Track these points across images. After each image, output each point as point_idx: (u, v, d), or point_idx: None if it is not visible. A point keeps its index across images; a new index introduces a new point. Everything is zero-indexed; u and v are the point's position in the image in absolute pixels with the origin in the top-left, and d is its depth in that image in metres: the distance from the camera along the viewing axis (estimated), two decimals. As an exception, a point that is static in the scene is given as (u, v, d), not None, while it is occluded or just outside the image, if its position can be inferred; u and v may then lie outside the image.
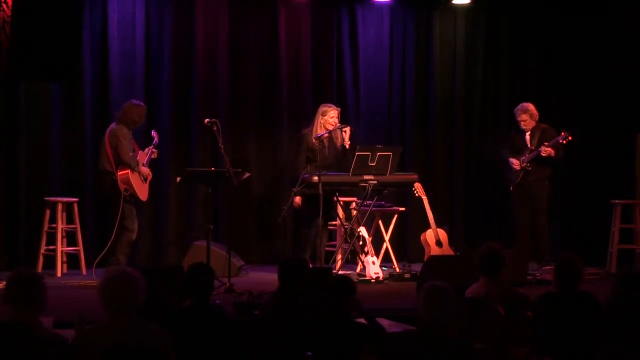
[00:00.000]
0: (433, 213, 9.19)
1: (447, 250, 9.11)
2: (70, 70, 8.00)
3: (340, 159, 9.13)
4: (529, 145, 9.45)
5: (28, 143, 9.44)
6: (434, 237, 9.13)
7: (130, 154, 8.45)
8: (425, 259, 8.58)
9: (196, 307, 5.00)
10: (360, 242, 9.04)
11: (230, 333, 4.91)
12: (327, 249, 9.43)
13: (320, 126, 8.99)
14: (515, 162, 9.46)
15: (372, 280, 8.78)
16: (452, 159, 10.91)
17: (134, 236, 8.58)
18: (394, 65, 10.74)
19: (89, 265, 8.97)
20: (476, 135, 10.93)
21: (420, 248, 9.45)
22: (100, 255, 8.53)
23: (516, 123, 9.53)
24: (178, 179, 8.73)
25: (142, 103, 8.74)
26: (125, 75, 9.76)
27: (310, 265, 6.92)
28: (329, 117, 8.99)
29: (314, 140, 8.99)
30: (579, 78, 10.80)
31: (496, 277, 5.65)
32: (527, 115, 9.42)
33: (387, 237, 9.48)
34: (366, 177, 8.85)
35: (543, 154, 9.30)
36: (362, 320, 5.20)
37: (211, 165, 9.43)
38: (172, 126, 9.97)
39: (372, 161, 8.81)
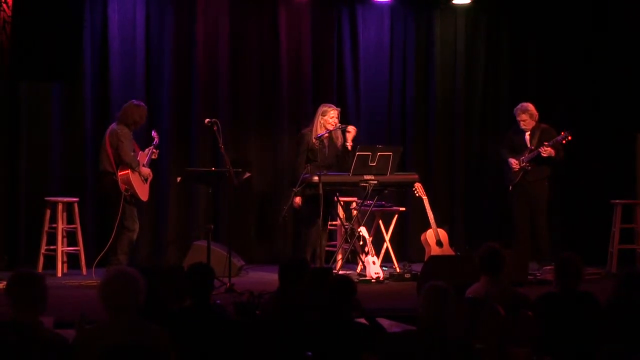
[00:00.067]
0: (433, 213, 9.20)
1: (447, 250, 9.12)
2: (70, 70, 7.98)
3: (341, 159, 9.13)
4: (528, 145, 9.45)
5: (28, 143, 9.44)
6: (434, 237, 9.13)
7: (131, 154, 8.46)
8: (425, 259, 8.58)
9: (196, 307, 5.00)
10: (361, 242, 9.04)
11: (230, 333, 4.91)
12: (327, 249, 9.43)
13: (320, 126, 8.99)
14: (514, 162, 9.46)
15: (373, 280, 8.78)
16: (453, 159, 10.91)
17: (135, 236, 8.58)
18: (394, 65, 10.75)
19: (89, 265, 8.96)
20: (476, 135, 10.94)
21: (421, 248, 9.46)
22: (100, 255, 8.53)
23: (516, 123, 9.53)
24: (178, 179, 8.73)
25: (142, 103, 8.74)
26: (126, 75, 9.76)
27: (311, 265, 6.92)
28: (329, 117, 8.99)
29: (314, 140, 8.99)
30: (579, 78, 10.80)
31: (496, 277, 5.65)
32: (527, 115, 9.41)
33: (387, 237, 9.48)
34: (367, 177, 8.85)
35: (543, 154, 9.30)
36: (362, 320, 5.20)
37: (211, 165, 9.45)
38: (172, 126, 9.97)
39: (372, 161, 8.81)
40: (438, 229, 9.17)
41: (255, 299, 6.21)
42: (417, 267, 8.70)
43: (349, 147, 9.05)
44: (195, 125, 9.93)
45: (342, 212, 9.49)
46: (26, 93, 9.38)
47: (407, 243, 10.62)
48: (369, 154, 8.80)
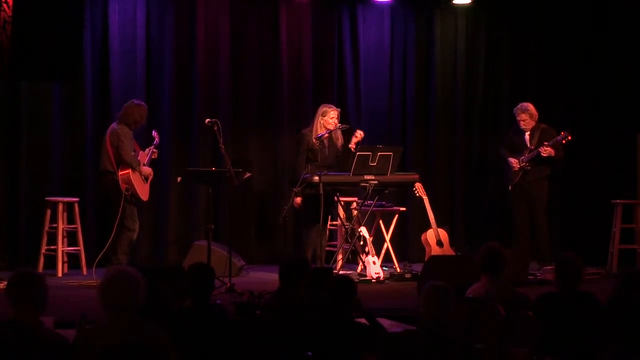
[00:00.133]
0: (434, 213, 9.20)
1: (447, 250, 9.12)
2: (71, 70, 7.98)
3: (341, 159, 9.13)
4: (528, 145, 9.45)
5: (29, 143, 9.44)
6: (434, 237, 9.14)
7: (132, 153, 8.46)
8: (426, 259, 8.57)
9: (196, 307, 5.00)
10: (361, 242, 9.03)
11: (230, 333, 4.91)
12: (327, 249, 9.43)
13: (320, 126, 9.00)
14: (514, 162, 9.47)
15: (373, 280, 8.78)
16: (453, 159, 10.91)
17: (135, 236, 8.59)
18: (395, 65, 10.75)
19: (89, 265, 8.96)
20: (476, 135, 10.94)
21: (421, 248, 9.46)
22: (100, 255, 8.54)
23: (516, 123, 9.53)
24: (179, 179, 8.73)
25: (143, 102, 8.75)
26: (126, 75, 9.76)
27: (311, 265, 6.92)
28: (328, 117, 9.00)
29: (314, 140, 8.99)
30: (579, 78, 10.80)
31: (497, 277, 5.65)
32: (527, 115, 9.42)
33: (387, 237, 9.48)
34: (367, 177, 8.85)
35: (543, 154, 9.30)
36: (362, 320, 5.20)
37: (212, 165, 9.44)
38: (172, 126, 9.97)
39: (372, 161, 8.81)
40: (438, 229, 9.17)
41: (256, 299, 6.20)
42: (418, 267, 8.70)
43: (352, 149, 9.04)
44: (195, 125, 9.93)
45: (343, 212, 9.49)
46: (26, 93, 9.38)
47: (408, 243, 10.62)
48: (369, 154, 8.80)
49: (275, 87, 10.38)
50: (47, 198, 9.15)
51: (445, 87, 10.89)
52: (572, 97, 10.77)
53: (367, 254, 8.94)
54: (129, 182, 8.40)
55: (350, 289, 5.02)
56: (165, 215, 9.96)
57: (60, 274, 8.97)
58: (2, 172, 9.39)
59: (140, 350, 3.63)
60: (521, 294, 5.71)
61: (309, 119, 9.45)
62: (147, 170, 8.60)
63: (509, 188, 9.58)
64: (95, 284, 7.78)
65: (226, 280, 8.05)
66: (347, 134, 9.18)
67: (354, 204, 9.66)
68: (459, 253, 9.35)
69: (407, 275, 8.89)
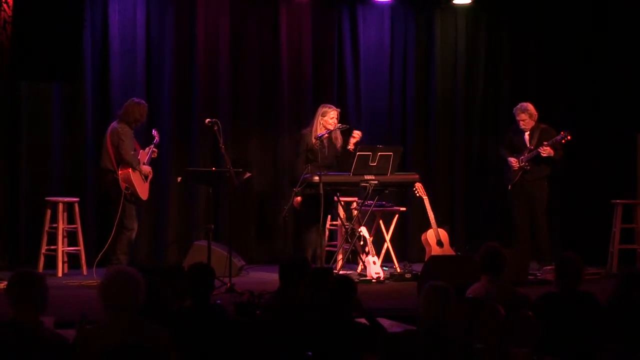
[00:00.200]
0: (434, 213, 9.20)
1: (448, 250, 9.12)
2: (71, 70, 7.97)
3: (341, 160, 9.13)
4: (528, 145, 9.45)
5: (29, 143, 9.44)
6: (434, 237, 9.13)
7: (132, 152, 8.46)
8: (426, 259, 8.57)
9: (196, 307, 5.00)
10: (361, 242, 9.03)
11: (230, 333, 4.91)
12: (327, 249, 9.43)
13: (320, 127, 9.00)
14: (513, 162, 9.47)
15: (373, 280, 8.78)
16: (453, 159, 10.91)
17: (134, 235, 8.59)
18: (395, 65, 10.75)
19: (89, 265, 8.97)
20: (476, 135, 10.94)
21: (421, 248, 9.46)
22: (100, 255, 8.54)
23: (515, 123, 9.53)
24: (179, 179, 8.74)
25: (143, 101, 8.75)
26: (126, 75, 9.76)
27: (311, 265, 6.92)
28: (328, 117, 9.00)
29: (314, 140, 8.99)
30: (579, 78, 10.80)
31: (497, 277, 5.65)
32: (526, 114, 9.42)
33: (387, 237, 9.48)
34: (367, 177, 8.85)
35: (543, 154, 9.30)
36: (362, 320, 5.20)
37: (212, 165, 9.44)
38: (172, 126, 9.97)
39: (372, 161, 8.81)
40: (438, 229, 9.17)
41: (256, 299, 6.21)
42: (418, 267, 8.70)
43: (351, 149, 9.04)
44: (195, 125, 9.93)
45: (343, 212, 9.49)
46: (26, 93, 9.38)
47: (408, 243, 10.62)
48: (370, 154, 8.80)
49: (275, 87, 10.38)
50: (47, 198, 9.15)
51: (445, 87, 10.89)
52: (572, 97, 10.77)
53: (367, 254, 8.94)
54: (129, 181, 8.41)
55: (350, 289, 5.02)
56: (165, 215, 9.96)
57: (60, 274, 8.97)
58: (2, 172, 9.39)
59: (140, 350, 3.63)
60: (521, 294, 5.71)
61: (309, 119, 9.45)
62: (146, 169, 8.61)
63: (509, 188, 9.58)
64: (95, 284, 7.79)
65: (226, 280, 8.05)
66: (346, 134, 9.18)
67: (354, 204, 9.66)
68: (459, 253, 9.35)
69: (407, 275, 8.89)
